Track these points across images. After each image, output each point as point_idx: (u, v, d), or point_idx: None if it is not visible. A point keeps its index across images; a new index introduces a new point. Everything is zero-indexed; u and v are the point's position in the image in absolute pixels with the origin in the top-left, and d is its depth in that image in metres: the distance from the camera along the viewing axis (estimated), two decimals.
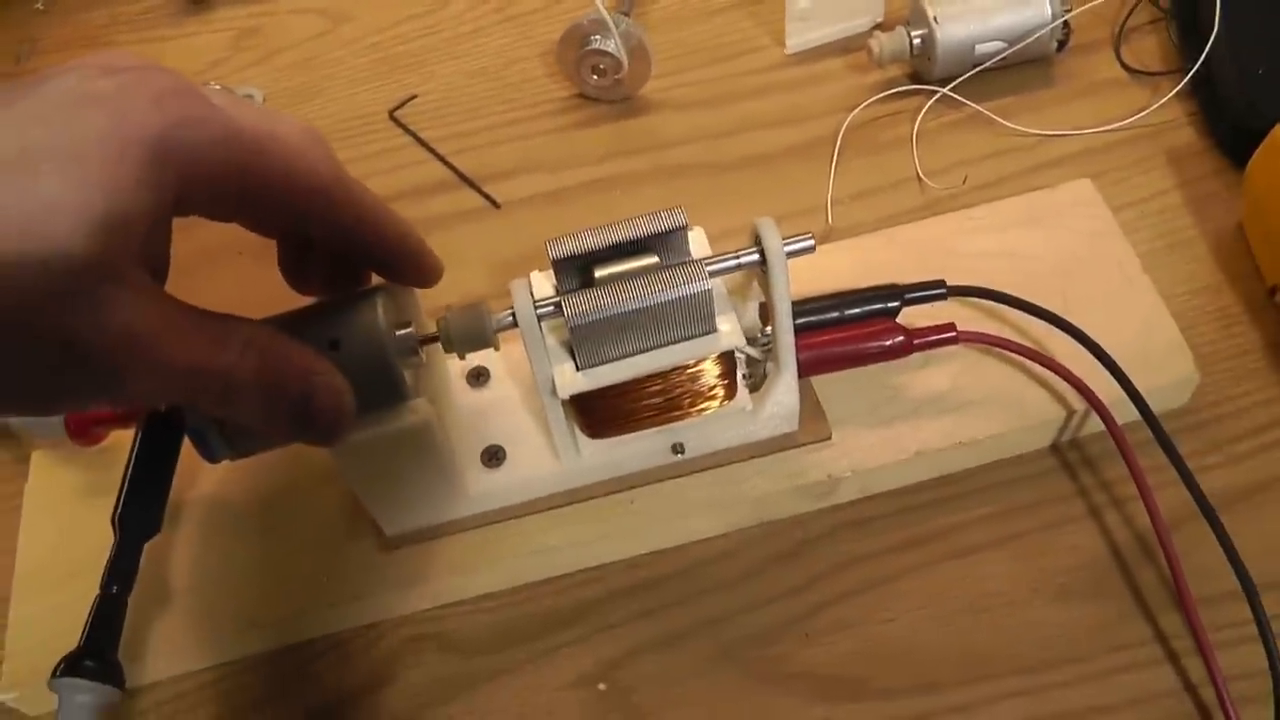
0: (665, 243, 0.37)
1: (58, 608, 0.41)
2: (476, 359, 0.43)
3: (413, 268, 0.36)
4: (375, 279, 0.36)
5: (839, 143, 0.54)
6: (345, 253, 0.35)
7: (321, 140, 0.32)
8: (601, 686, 0.40)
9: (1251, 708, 0.37)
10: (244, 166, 0.29)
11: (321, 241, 0.34)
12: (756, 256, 0.36)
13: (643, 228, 0.36)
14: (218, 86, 0.59)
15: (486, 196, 0.54)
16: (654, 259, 0.36)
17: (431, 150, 0.56)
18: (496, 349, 0.36)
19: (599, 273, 0.36)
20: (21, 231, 0.25)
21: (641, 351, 0.36)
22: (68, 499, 0.45)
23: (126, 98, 0.27)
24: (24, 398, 0.28)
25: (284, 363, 0.31)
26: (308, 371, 0.31)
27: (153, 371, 0.27)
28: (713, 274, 0.35)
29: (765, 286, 0.37)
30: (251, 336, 0.30)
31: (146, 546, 0.38)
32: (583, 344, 0.35)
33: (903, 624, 0.40)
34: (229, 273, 0.51)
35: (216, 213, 0.31)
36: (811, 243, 0.36)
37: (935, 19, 0.54)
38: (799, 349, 0.40)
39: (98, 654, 0.35)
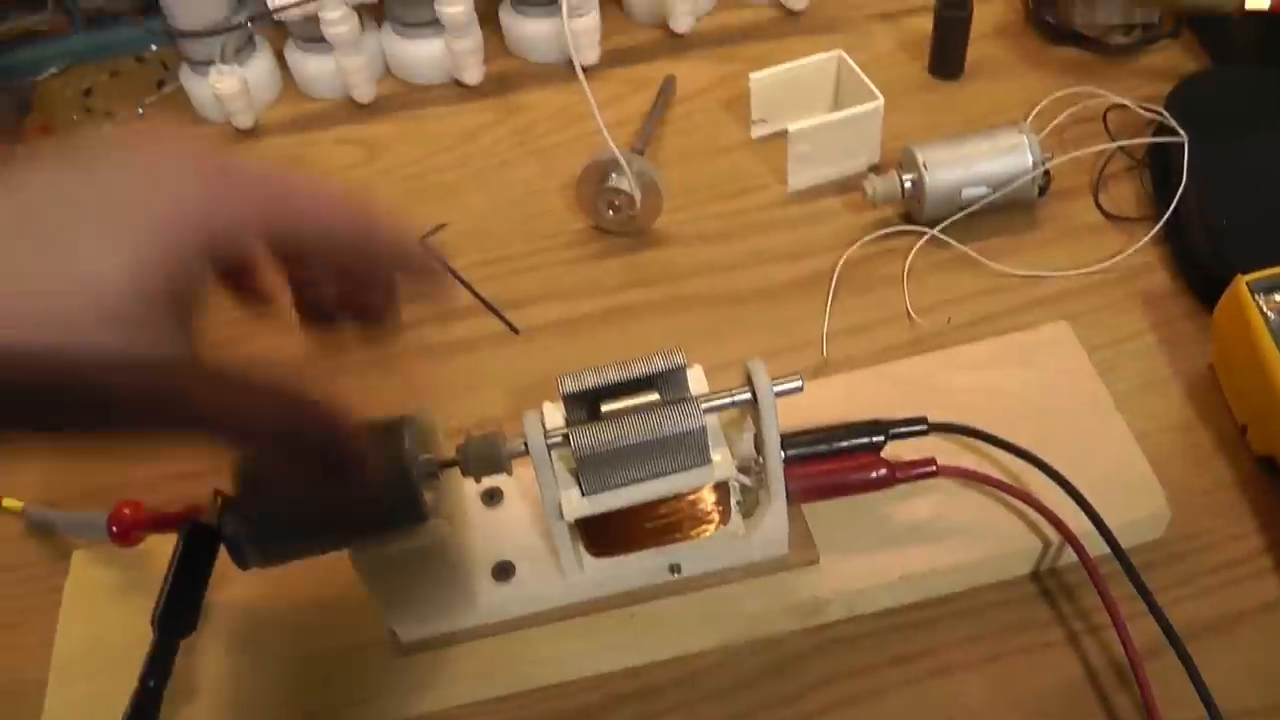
0: (666, 379, 0.40)
1: (90, 696, 0.44)
2: (490, 480, 0.46)
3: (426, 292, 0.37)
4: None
5: (835, 278, 0.58)
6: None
7: (361, 199, 0.33)
8: None
9: None
10: (280, 221, 0.31)
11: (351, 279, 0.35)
12: (748, 396, 0.40)
13: (645, 367, 0.39)
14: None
15: (507, 323, 0.58)
16: (655, 396, 0.39)
17: (458, 277, 0.60)
18: (509, 474, 0.39)
19: (605, 407, 0.39)
20: (66, 285, 0.26)
21: (642, 480, 0.40)
22: (105, 596, 0.48)
23: (167, 168, 0.29)
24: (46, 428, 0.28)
25: (310, 414, 0.31)
26: (333, 420, 0.31)
27: (181, 421, 0.28)
28: (707, 411, 0.39)
29: (756, 423, 0.40)
30: (280, 390, 0.31)
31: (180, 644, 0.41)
32: (588, 472, 0.39)
33: None
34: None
35: (248, 269, 0.33)
36: (800, 384, 0.39)
37: (924, 164, 0.58)
38: (790, 478, 0.43)
39: None
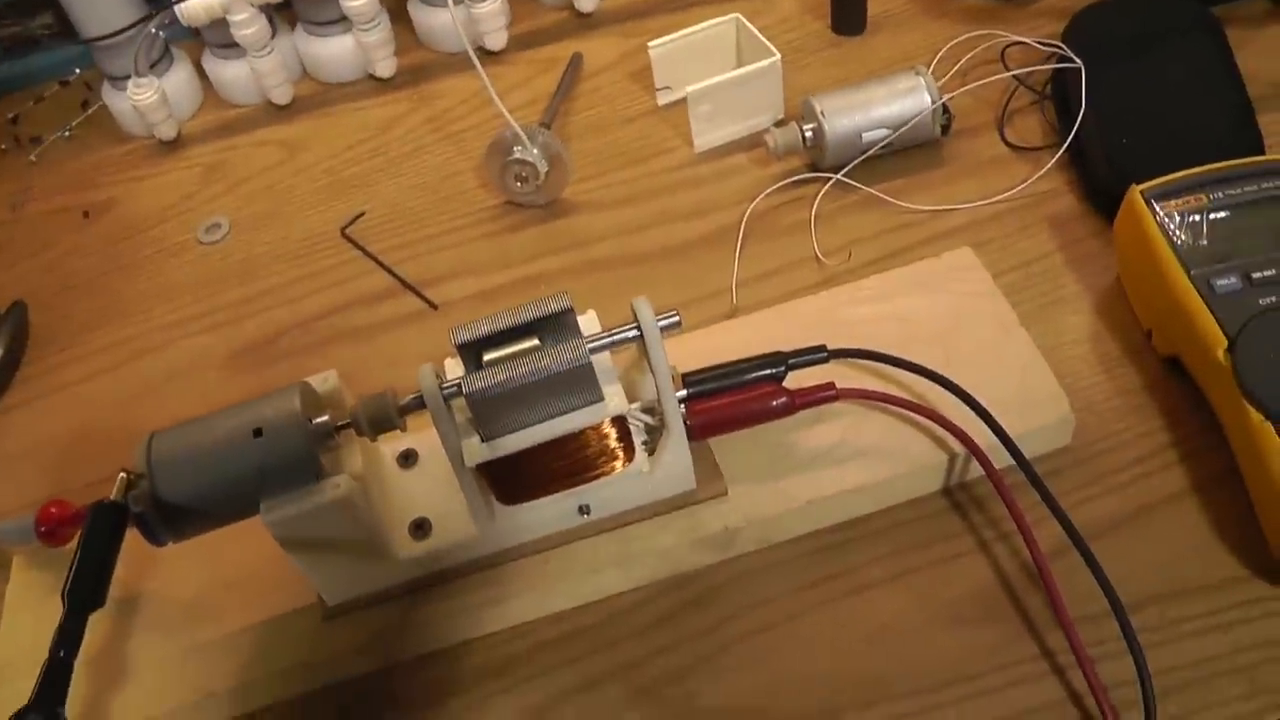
0: (556, 324, 0.41)
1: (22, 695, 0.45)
2: (406, 442, 0.48)
3: None
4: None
5: (743, 230, 0.59)
6: None
7: None
8: None
9: (1128, 712, 0.40)
10: None
11: None
12: (634, 332, 0.41)
13: (530, 312, 0.40)
14: None
15: (425, 300, 0.59)
16: (534, 341, 0.40)
17: (378, 261, 0.62)
18: (403, 430, 0.40)
19: (487, 356, 0.40)
20: None
21: (538, 422, 0.41)
22: (45, 597, 0.48)
23: None
24: None
25: None
26: None
27: None
28: (593, 350, 0.40)
29: (646, 357, 0.42)
30: None
31: (108, 626, 0.42)
32: (483, 417, 0.40)
33: (806, 656, 0.44)
34: (195, 385, 0.57)
35: None
36: (677, 319, 0.40)
37: (822, 113, 0.59)
38: (692, 414, 0.45)
39: (46, 710, 0.38)
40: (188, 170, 0.70)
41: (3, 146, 0.75)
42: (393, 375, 0.55)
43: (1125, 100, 0.59)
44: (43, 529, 0.46)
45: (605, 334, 0.41)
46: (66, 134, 0.74)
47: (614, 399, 0.41)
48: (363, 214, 0.64)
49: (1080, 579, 0.43)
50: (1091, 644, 0.42)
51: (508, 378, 0.39)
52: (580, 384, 0.40)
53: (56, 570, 0.49)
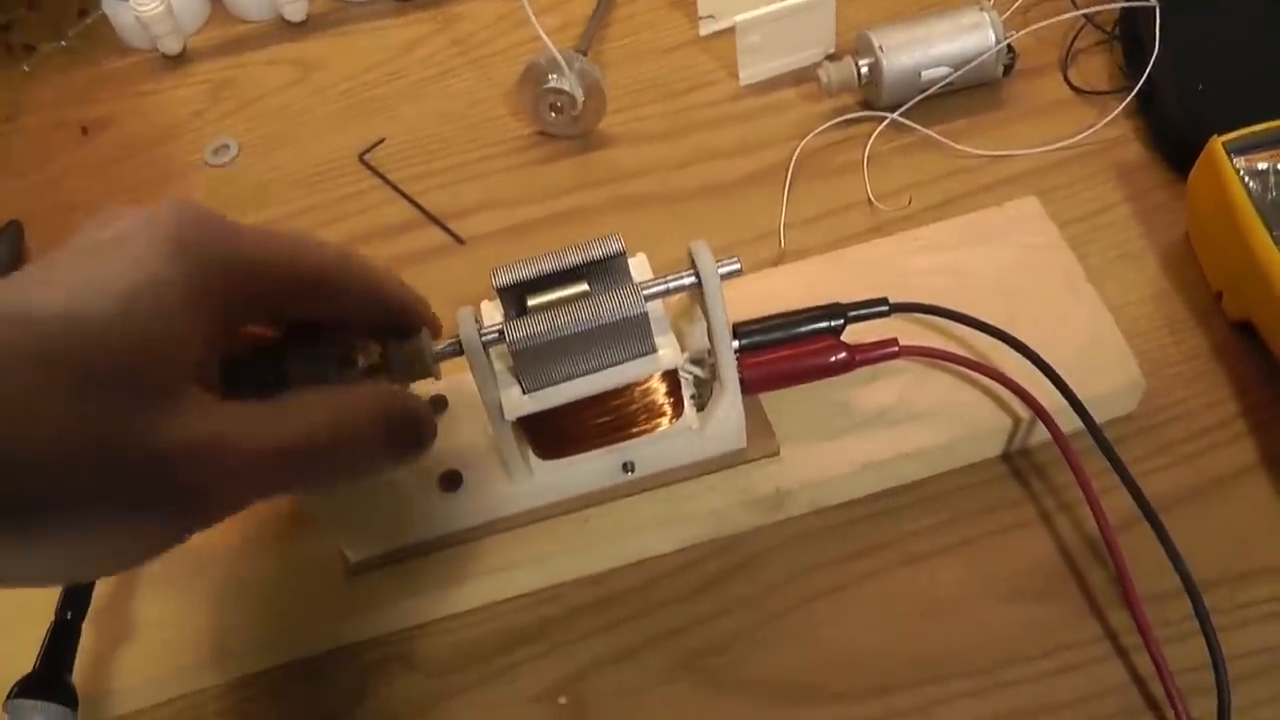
0: (605, 268, 0.38)
1: (24, 645, 0.42)
2: (436, 388, 0.45)
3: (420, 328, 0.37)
4: None
5: (791, 169, 0.55)
6: (356, 326, 0.36)
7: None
8: (562, 700, 0.41)
9: (1197, 699, 0.38)
10: (258, 274, 0.31)
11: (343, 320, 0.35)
12: (692, 279, 0.37)
13: (580, 255, 0.37)
14: None
15: (451, 233, 0.56)
16: (584, 286, 0.37)
17: (399, 190, 0.58)
18: (437, 378, 0.37)
19: (532, 301, 0.37)
20: (69, 367, 0.25)
21: (585, 374, 0.37)
22: None
23: (140, 238, 0.28)
24: (110, 556, 0.27)
25: (358, 405, 0.32)
26: (387, 395, 0.33)
27: (232, 474, 0.28)
28: (648, 297, 0.37)
29: (703, 307, 0.38)
30: (313, 402, 0.31)
31: (113, 579, 0.39)
32: (526, 367, 0.37)
33: (855, 630, 0.41)
34: None
35: (247, 312, 0.32)
36: (738, 265, 0.37)
37: (881, 48, 0.55)
38: (745, 367, 0.41)
39: (52, 676, 0.36)
40: (194, 87, 0.66)
41: None
42: None
43: (1203, 42, 0.55)
44: None
45: (660, 280, 0.37)
46: (63, 44, 0.69)
47: (667, 351, 0.38)
48: (383, 140, 0.60)
49: (1147, 554, 0.40)
50: (1160, 625, 0.39)
51: (556, 326, 0.36)
52: (633, 334, 0.37)
53: None
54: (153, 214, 0.29)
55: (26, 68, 0.69)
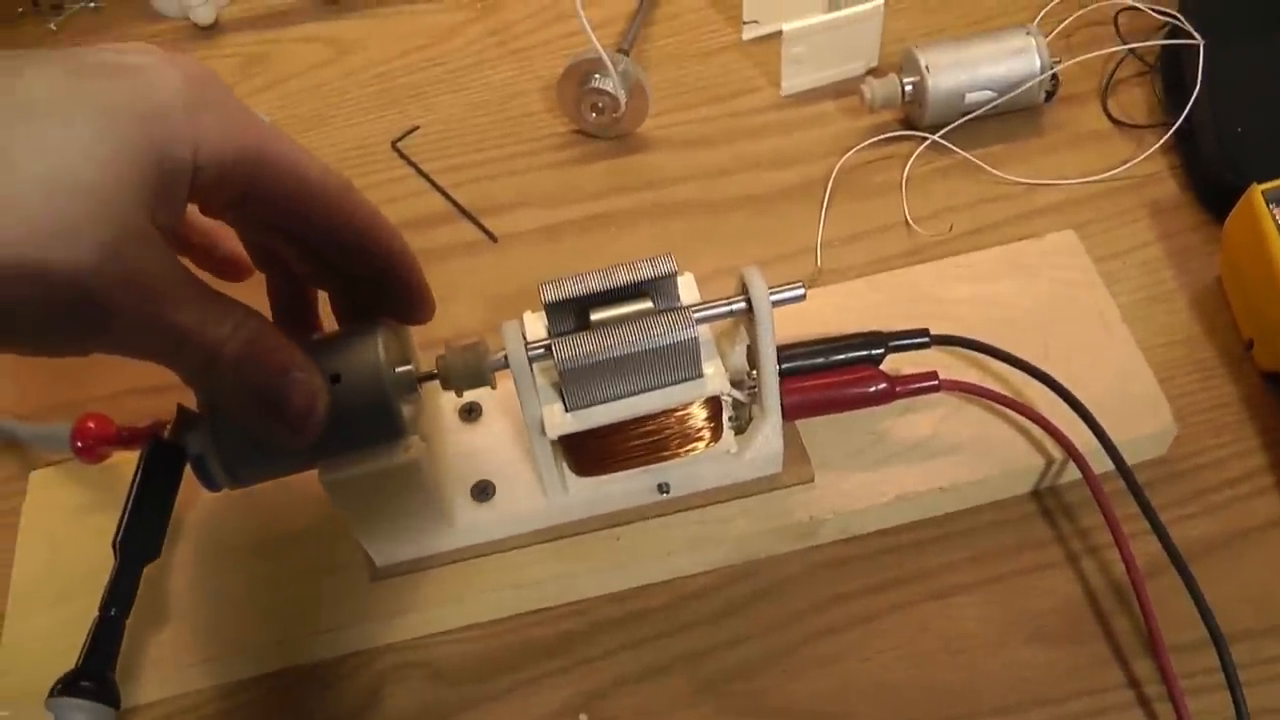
0: (654, 287, 0.37)
1: (52, 626, 0.42)
2: (469, 395, 0.44)
3: (407, 299, 0.37)
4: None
5: (830, 185, 0.55)
6: (344, 268, 0.36)
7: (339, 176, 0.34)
8: (583, 717, 0.41)
9: None
10: (260, 147, 0.31)
11: (322, 252, 0.35)
12: (743, 305, 0.37)
13: (632, 274, 0.37)
14: None
15: (484, 229, 0.55)
16: (648, 304, 0.37)
17: (432, 182, 0.57)
18: (494, 388, 0.37)
19: (594, 315, 0.37)
20: (50, 174, 0.26)
21: (629, 395, 0.37)
22: (64, 518, 0.45)
23: (157, 70, 0.29)
24: (20, 334, 0.28)
25: (267, 353, 0.32)
26: (288, 365, 0.32)
27: (144, 324, 0.29)
28: (699, 321, 0.36)
29: (751, 333, 0.38)
30: (244, 320, 0.31)
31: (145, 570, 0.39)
32: (571, 386, 0.36)
33: (880, 662, 0.41)
34: None
35: (224, 198, 0.32)
36: (802, 292, 0.37)
37: (927, 67, 0.55)
38: (784, 393, 0.41)
39: (95, 674, 0.35)
40: (225, 60, 0.65)
41: (20, 10, 0.69)
42: (445, 312, 0.50)
43: (1246, 84, 0.55)
44: (79, 444, 0.42)
45: (710, 304, 0.37)
46: (92, 5, 0.68)
47: (714, 376, 0.37)
48: (417, 128, 0.59)
49: (1177, 602, 0.40)
50: (1185, 675, 0.39)
51: (608, 346, 0.35)
52: (681, 358, 0.37)
53: (77, 486, 0.46)
54: (165, 78, 0.29)
55: (54, 26, 0.67)
